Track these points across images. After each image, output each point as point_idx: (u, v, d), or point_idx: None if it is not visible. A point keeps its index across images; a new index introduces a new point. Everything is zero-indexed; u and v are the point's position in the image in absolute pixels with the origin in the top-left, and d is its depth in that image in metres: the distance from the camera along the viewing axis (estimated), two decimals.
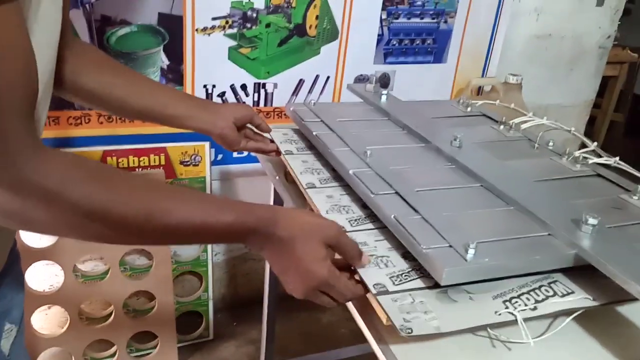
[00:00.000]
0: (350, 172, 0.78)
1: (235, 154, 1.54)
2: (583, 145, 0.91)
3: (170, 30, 1.32)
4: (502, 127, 1.01)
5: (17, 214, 0.46)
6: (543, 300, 0.60)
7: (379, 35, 1.55)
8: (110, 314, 1.45)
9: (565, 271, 0.64)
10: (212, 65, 1.40)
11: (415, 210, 0.68)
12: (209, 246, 1.65)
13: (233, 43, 1.39)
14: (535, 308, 0.59)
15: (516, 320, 0.58)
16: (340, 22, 1.49)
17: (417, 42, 1.61)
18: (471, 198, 0.74)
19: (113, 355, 1.51)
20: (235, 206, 0.56)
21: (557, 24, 1.83)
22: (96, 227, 0.49)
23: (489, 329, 0.58)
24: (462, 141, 0.87)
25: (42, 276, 1.42)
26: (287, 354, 1.55)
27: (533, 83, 1.83)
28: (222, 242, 0.58)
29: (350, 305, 0.64)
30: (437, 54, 1.65)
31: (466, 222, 0.67)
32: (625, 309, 0.63)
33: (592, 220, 0.62)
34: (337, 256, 0.61)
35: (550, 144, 0.93)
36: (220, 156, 1.54)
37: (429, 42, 1.62)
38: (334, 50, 1.51)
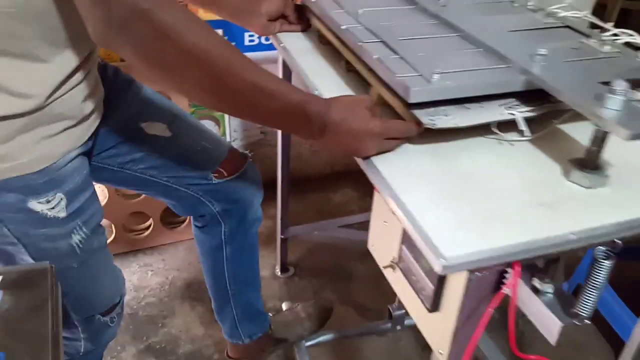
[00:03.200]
0: (343, 27, 0.89)
1: (247, 42, 1.65)
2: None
3: None
4: None
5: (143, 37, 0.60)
6: (539, 105, 0.74)
7: None
8: None
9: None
10: None
11: (396, 53, 0.79)
12: (227, 133, 1.80)
13: None
14: (532, 110, 0.73)
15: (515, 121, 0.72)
16: None
17: None
18: (447, 44, 0.85)
19: (148, 227, 1.73)
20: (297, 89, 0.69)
21: None
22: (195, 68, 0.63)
23: (496, 130, 0.73)
24: (447, 1, 0.96)
25: None
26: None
27: None
28: (286, 121, 0.70)
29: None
30: None
31: (438, 60, 0.78)
32: None
33: (542, 51, 0.73)
34: None
35: (530, 2, 1.01)
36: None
37: None
38: None
